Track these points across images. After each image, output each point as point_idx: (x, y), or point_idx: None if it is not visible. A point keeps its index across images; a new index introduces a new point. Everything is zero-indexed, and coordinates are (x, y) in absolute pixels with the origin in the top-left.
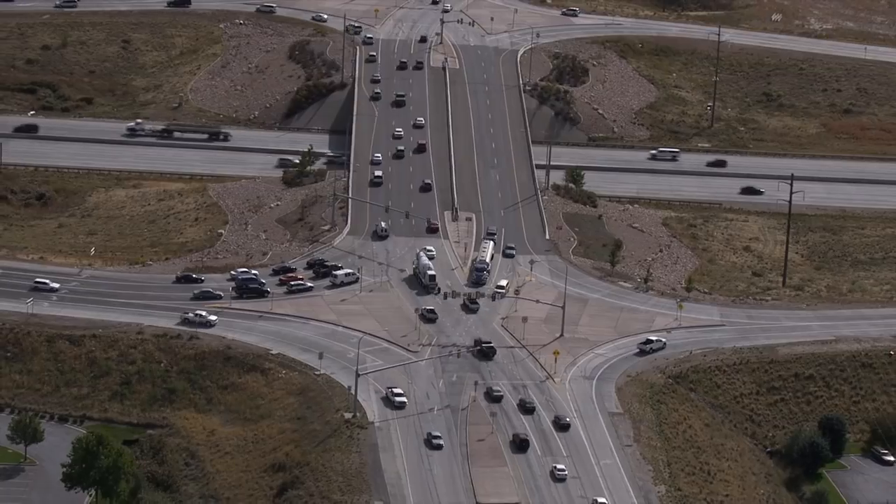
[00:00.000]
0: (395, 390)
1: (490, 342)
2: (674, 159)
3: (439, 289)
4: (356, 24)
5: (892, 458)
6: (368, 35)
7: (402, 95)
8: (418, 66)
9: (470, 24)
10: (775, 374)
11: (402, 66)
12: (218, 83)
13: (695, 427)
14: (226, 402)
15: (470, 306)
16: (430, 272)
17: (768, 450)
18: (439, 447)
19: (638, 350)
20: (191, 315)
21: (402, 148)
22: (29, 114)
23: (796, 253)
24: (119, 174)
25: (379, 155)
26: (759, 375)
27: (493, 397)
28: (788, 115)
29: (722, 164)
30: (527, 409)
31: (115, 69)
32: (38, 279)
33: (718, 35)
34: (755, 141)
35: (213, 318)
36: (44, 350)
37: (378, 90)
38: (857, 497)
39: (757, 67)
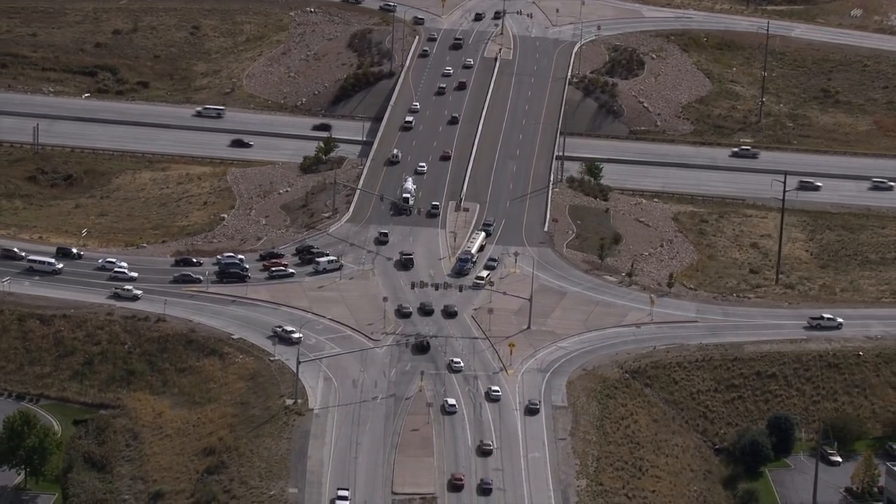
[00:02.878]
0: (341, 492)
1: (411, 255)
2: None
3: (410, 210)
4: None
5: (839, 459)
6: (421, 17)
7: (460, 39)
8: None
9: (528, 16)
10: (737, 371)
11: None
12: (274, 70)
13: (640, 422)
14: (180, 385)
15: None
16: (404, 195)
17: (716, 447)
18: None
19: (807, 325)
20: (280, 329)
21: (443, 86)
22: (83, 96)
23: (806, 251)
24: (152, 157)
25: (418, 104)
26: (720, 373)
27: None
28: (842, 112)
29: None
30: (426, 312)
31: (179, 54)
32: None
33: (767, 29)
34: (801, 137)
35: (297, 335)
36: (14, 328)
37: (426, 48)
38: (793, 496)
39: (820, 63)
